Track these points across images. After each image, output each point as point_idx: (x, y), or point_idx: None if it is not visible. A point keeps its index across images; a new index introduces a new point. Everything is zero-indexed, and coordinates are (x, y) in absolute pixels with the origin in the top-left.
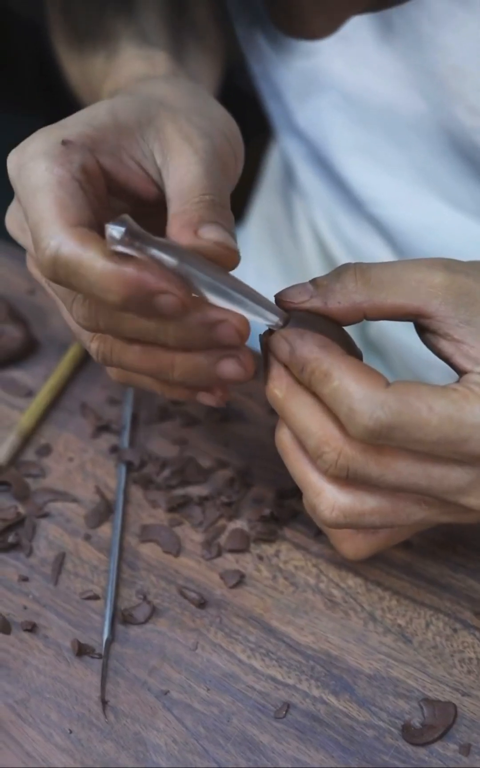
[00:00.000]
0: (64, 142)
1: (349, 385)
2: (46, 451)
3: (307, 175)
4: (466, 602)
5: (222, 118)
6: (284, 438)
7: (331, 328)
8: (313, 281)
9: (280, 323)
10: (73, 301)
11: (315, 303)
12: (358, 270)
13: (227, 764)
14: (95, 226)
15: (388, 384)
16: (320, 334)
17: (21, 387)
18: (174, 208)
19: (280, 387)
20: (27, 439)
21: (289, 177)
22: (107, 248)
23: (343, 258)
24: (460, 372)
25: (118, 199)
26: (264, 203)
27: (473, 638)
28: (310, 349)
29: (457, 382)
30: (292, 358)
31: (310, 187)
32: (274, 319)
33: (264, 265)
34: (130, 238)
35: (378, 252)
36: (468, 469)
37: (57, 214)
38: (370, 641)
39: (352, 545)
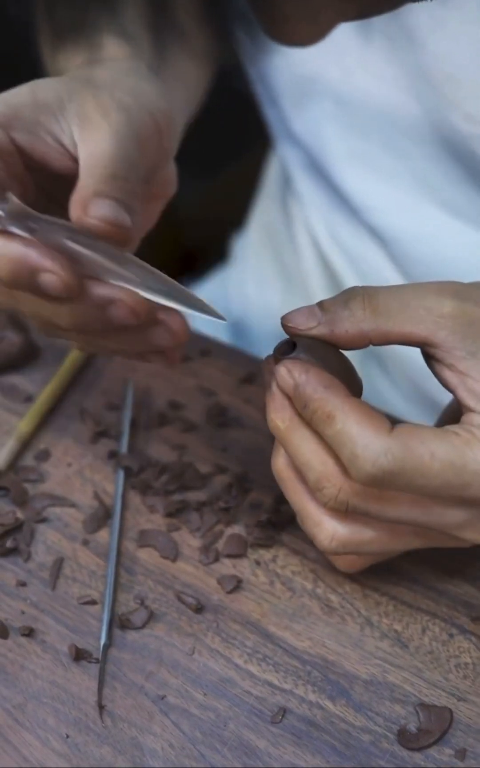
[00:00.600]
0: None
1: (352, 429)
2: (45, 456)
3: (304, 183)
4: (462, 608)
5: (151, 94)
6: (281, 466)
7: (334, 355)
8: (321, 306)
9: (189, 307)
10: None
11: (322, 330)
12: (366, 297)
13: None
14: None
15: (391, 428)
16: (324, 363)
17: (20, 392)
18: (79, 180)
19: (282, 419)
20: (26, 444)
21: (287, 184)
22: None
23: (341, 265)
24: (463, 407)
25: (41, 177)
26: (263, 210)
27: (469, 643)
28: (314, 388)
29: (460, 422)
30: (296, 393)
31: (307, 194)
32: (164, 298)
33: (263, 272)
34: (13, 217)
35: (376, 259)
36: (466, 508)
37: None
38: (367, 646)
39: (347, 561)
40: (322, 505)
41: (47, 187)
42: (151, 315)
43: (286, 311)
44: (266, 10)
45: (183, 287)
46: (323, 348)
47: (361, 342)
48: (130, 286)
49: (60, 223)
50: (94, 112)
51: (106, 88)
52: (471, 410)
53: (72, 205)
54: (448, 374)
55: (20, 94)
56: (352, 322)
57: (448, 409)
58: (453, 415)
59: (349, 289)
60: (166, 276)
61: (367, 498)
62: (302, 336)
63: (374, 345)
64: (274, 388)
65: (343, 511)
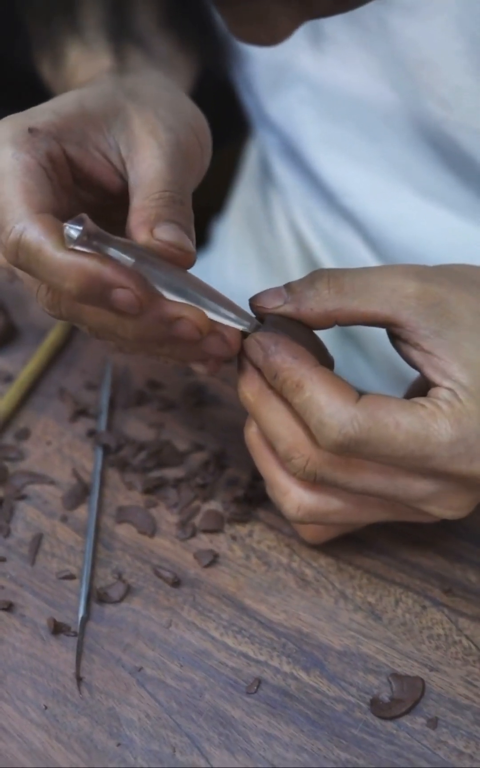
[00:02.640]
0: (30, 130)
1: (320, 398)
2: (24, 434)
3: (281, 168)
4: (435, 580)
5: (190, 111)
6: (253, 436)
7: (303, 332)
8: (287, 286)
9: (246, 324)
10: (39, 288)
11: (287, 309)
12: (332, 277)
13: (199, 738)
14: (60, 214)
15: (358, 398)
16: (293, 339)
17: (0, 372)
18: (135, 202)
19: (251, 391)
20: (6, 423)
21: (265, 170)
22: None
23: (319, 249)
24: (430, 384)
25: (84, 190)
26: (243, 196)
27: (442, 615)
28: (283, 358)
29: (427, 395)
30: (265, 364)
31: (285, 179)
32: (236, 318)
33: (243, 257)
34: (88, 237)
35: (353, 243)
36: (431, 481)
37: (23, 200)
38: (341, 618)
39: (312, 532)
40: (291, 476)
41: (91, 202)
42: (210, 328)
43: None
44: (224, 14)
45: (236, 305)
46: (292, 325)
47: (326, 321)
48: (193, 304)
49: (127, 242)
50: (141, 130)
51: (148, 104)
52: (437, 385)
53: (135, 226)
54: (413, 353)
55: (68, 105)
56: (317, 301)
57: (414, 385)
58: (418, 388)
59: (316, 270)
60: (222, 294)
61: (334, 468)
62: (270, 314)
63: (340, 324)
64: (244, 361)
65: (312, 482)
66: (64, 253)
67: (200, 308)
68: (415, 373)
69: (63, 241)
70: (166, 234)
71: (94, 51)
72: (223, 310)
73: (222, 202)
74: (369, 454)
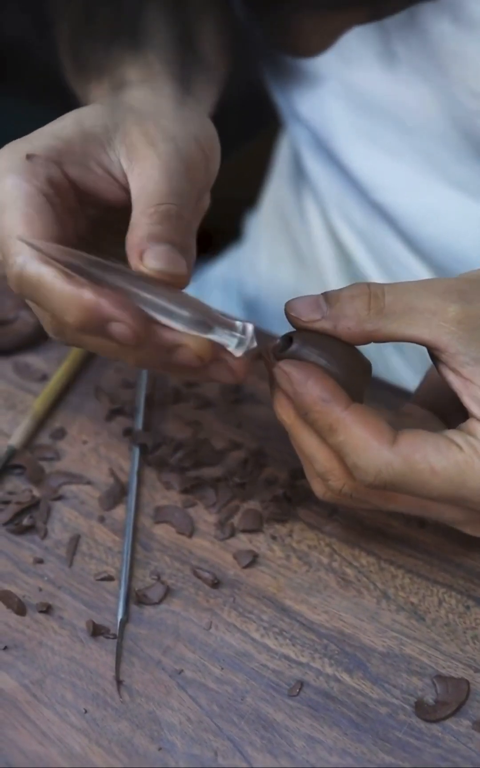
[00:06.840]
0: (29, 157)
1: (354, 440)
2: (60, 434)
3: (313, 163)
4: (479, 580)
5: (195, 120)
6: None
7: (336, 345)
8: (326, 297)
9: (244, 339)
10: (44, 316)
11: (324, 325)
12: (373, 297)
13: (241, 742)
14: (64, 240)
15: (394, 438)
16: (323, 353)
17: (35, 371)
18: (132, 217)
19: (287, 414)
20: (41, 422)
21: (297, 164)
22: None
23: (352, 243)
24: (468, 413)
25: (90, 207)
26: (275, 190)
27: None
28: (313, 400)
29: (465, 428)
30: (296, 401)
31: (317, 174)
32: (233, 340)
33: (275, 250)
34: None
35: (386, 237)
36: (464, 510)
37: (24, 231)
38: (383, 619)
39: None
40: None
41: (99, 217)
42: (213, 355)
43: (299, 288)
44: (276, 26)
45: (240, 323)
46: (324, 338)
47: (362, 340)
48: (186, 329)
49: (117, 268)
50: (140, 141)
51: (149, 115)
52: (476, 418)
53: (128, 248)
54: (452, 378)
55: (67, 127)
56: (356, 321)
57: (431, 375)
58: (433, 383)
59: (356, 285)
60: (219, 312)
61: (369, 495)
62: (305, 330)
63: (376, 343)
64: (277, 386)
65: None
66: (62, 284)
67: (199, 334)
68: None
69: (62, 274)
70: (155, 261)
71: (154, 73)
72: (223, 333)
73: (255, 196)
74: (404, 492)
